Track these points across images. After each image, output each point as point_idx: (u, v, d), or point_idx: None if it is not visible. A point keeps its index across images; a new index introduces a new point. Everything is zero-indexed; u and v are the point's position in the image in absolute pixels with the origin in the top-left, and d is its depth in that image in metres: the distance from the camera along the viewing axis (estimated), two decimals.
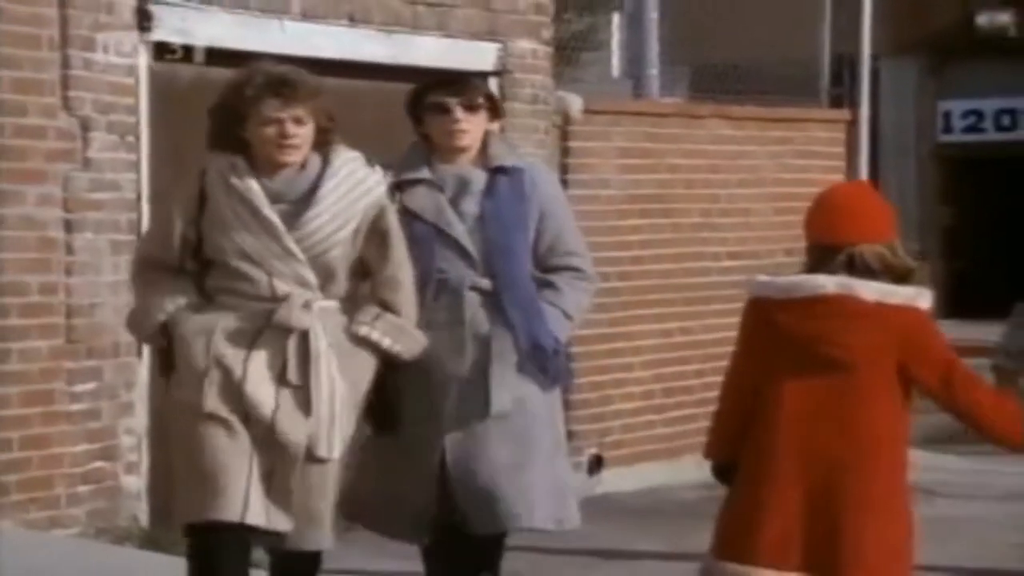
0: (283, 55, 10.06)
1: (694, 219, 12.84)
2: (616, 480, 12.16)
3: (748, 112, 13.74)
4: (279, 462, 6.02)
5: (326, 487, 6.12)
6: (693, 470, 10.41)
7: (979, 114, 29.27)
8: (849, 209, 6.19)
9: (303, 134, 6.06)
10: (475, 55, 11.43)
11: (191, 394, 6.02)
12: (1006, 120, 29.09)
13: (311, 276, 6.09)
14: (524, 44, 11.82)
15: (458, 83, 6.87)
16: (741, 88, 13.66)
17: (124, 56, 9.61)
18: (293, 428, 6.00)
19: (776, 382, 5.96)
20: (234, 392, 5.99)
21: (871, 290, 5.99)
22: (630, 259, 12.38)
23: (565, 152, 12.14)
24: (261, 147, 6.06)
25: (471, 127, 6.69)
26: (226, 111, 6.15)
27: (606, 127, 12.53)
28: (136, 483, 9.68)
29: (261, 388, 6.01)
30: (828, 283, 5.88)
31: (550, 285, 6.74)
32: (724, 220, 13.04)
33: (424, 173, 6.68)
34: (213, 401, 5.98)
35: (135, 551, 9.28)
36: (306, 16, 10.52)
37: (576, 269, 6.84)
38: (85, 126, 9.39)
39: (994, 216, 25.15)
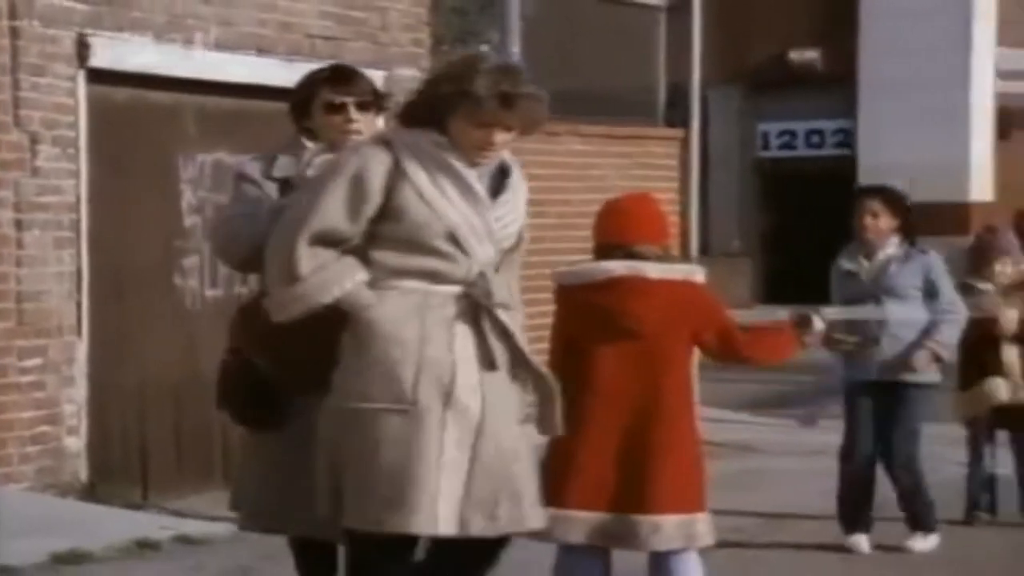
0: (200, 80, 10.25)
1: (551, 220, 12.87)
2: None
3: (596, 130, 13.77)
4: (483, 450, 4.98)
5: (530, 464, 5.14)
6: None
7: (792, 134, 29.60)
8: (631, 215, 6.34)
9: (506, 143, 5.15)
10: None
11: (390, 386, 4.93)
12: (815, 139, 29.47)
13: (496, 260, 5.14)
14: (406, 72, 11.74)
15: (351, 80, 5.76)
16: (591, 109, 13.76)
17: (66, 80, 9.67)
18: (504, 414, 5.03)
19: (586, 352, 6.07)
20: (443, 381, 4.95)
21: (655, 269, 6.14)
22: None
23: None
24: (466, 143, 5.02)
25: (363, 125, 5.67)
26: (442, 96, 5.03)
27: None
28: (77, 444, 9.71)
29: (469, 375, 4.98)
30: (618, 267, 6.04)
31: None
32: (577, 222, 13.08)
33: (312, 171, 5.56)
34: (424, 392, 4.94)
35: (76, 502, 9.38)
36: (220, 47, 10.56)
37: None
38: (33, 140, 9.45)
39: (804, 220, 25.44)
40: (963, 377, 9.19)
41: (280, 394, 5.29)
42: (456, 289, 5.03)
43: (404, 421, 4.92)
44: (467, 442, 4.95)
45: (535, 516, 5.11)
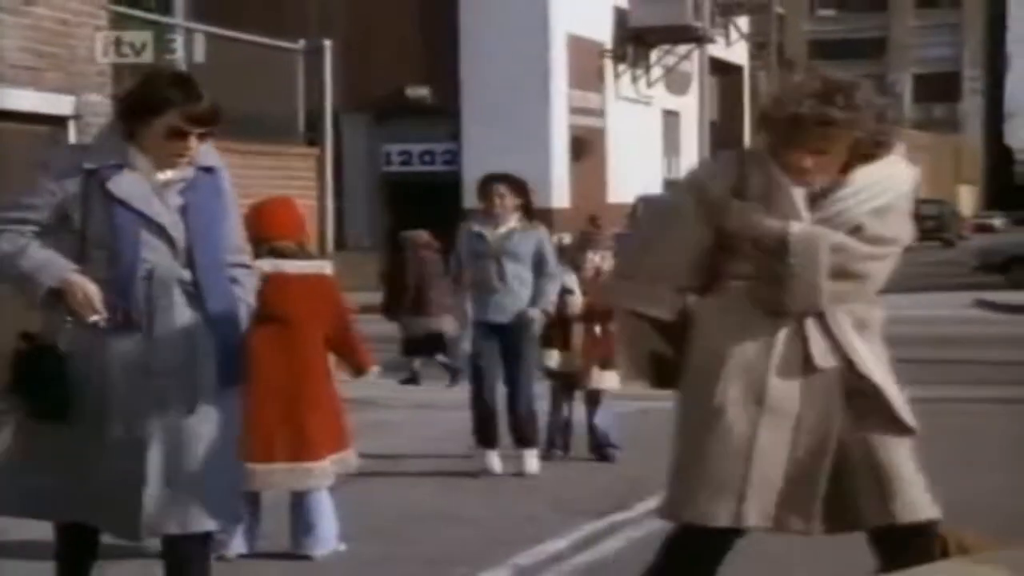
0: None
1: None
2: None
3: (249, 147, 13.73)
4: (817, 451, 4.09)
5: (905, 454, 4.15)
6: None
7: (409, 153, 30.17)
8: (273, 215, 6.45)
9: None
10: (59, 104, 11.25)
11: (715, 386, 4.12)
12: (427, 157, 30.13)
13: None
14: (93, 97, 11.61)
15: (204, 117, 4.54)
16: (245, 131, 13.80)
17: None
18: (826, 412, 4.10)
19: (256, 337, 5.73)
20: (757, 383, 4.11)
21: (292, 266, 6.29)
22: None
23: None
24: (791, 165, 4.14)
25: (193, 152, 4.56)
26: (789, 119, 4.12)
27: None
28: None
29: (787, 376, 4.11)
30: (265, 264, 5.93)
31: (235, 281, 4.68)
32: None
33: (128, 159, 4.52)
34: (733, 392, 4.11)
35: None
36: None
37: (246, 266, 4.78)
38: None
39: (420, 220, 25.93)
40: (542, 340, 9.16)
41: (71, 386, 4.49)
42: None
43: (720, 422, 4.15)
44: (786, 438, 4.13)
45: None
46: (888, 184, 4.20)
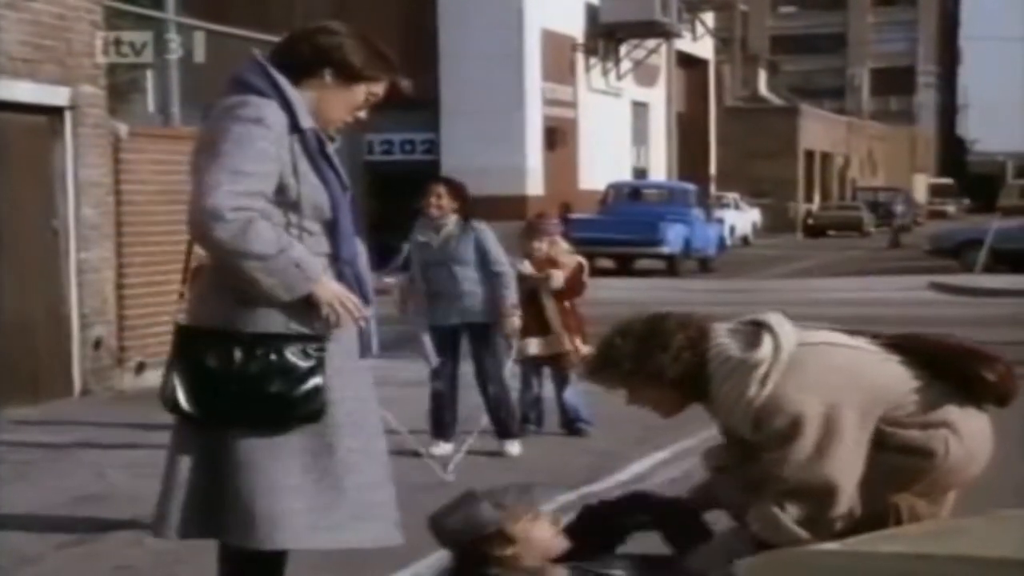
0: None
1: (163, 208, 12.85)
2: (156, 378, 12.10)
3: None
4: None
5: None
6: None
7: (391, 143, 30.22)
8: None
9: None
10: (55, 95, 11.23)
11: None
12: (408, 147, 30.21)
13: None
14: (88, 88, 11.58)
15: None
16: None
17: None
18: None
19: None
20: None
21: None
22: (161, 232, 12.05)
23: (117, 162, 11.95)
24: None
25: None
26: None
27: (145, 145, 12.36)
28: None
29: None
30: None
31: None
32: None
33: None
34: None
35: None
36: None
37: None
38: None
39: (401, 207, 25.92)
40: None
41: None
42: None
43: None
44: None
45: None
46: (733, 405, 3.86)
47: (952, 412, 3.87)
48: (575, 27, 32.01)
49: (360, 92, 3.97)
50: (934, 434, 3.82)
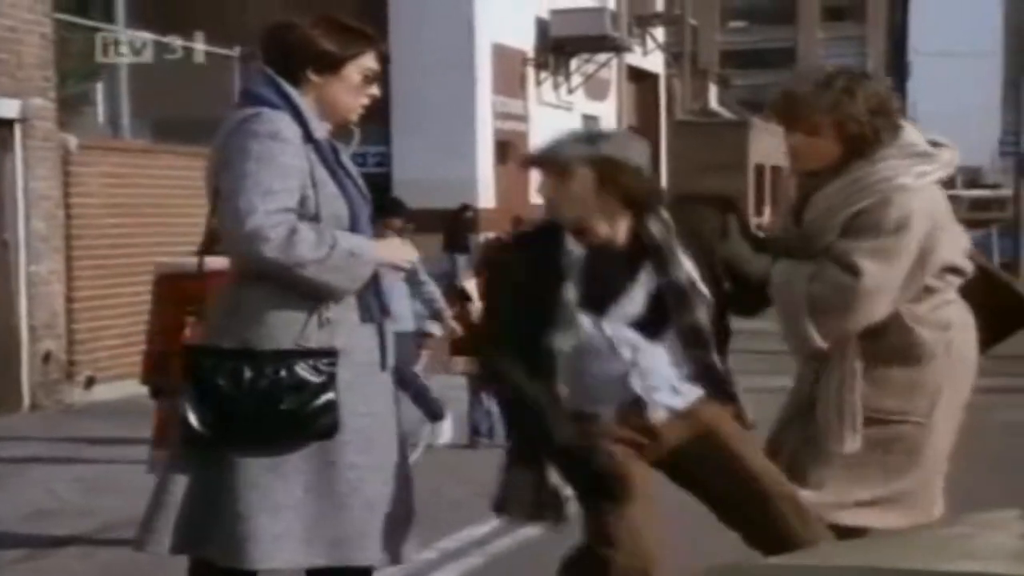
0: None
1: (152, 219, 12.72)
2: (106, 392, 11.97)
3: (189, 150, 13.67)
4: None
5: None
6: None
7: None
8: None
9: None
10: (5, 108, 11.19)
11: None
12: (359, 160, 29.69)
13: None
14: (38, 101, 11.57)
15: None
16: (185, 136, 13.71)
17: None
18: None
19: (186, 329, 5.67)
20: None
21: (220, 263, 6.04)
22: (110, 245, 12.22)
23: (67, 174, 11.94)
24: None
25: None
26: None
27: (95, 157, 12.38)
28: None
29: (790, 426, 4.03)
30: (214, 261, 5.65)
31: None
32: (174, 220, 13.03)
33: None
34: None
35: None
36: None
37: None
38: None
39: None
40: (454, 345, 9.52)
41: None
42: None
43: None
44: None
45: None
46: (864, 185, 3.82)
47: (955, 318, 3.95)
48: (526, 41, 32.10)
49: (352, 74, 3.79)
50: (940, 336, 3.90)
